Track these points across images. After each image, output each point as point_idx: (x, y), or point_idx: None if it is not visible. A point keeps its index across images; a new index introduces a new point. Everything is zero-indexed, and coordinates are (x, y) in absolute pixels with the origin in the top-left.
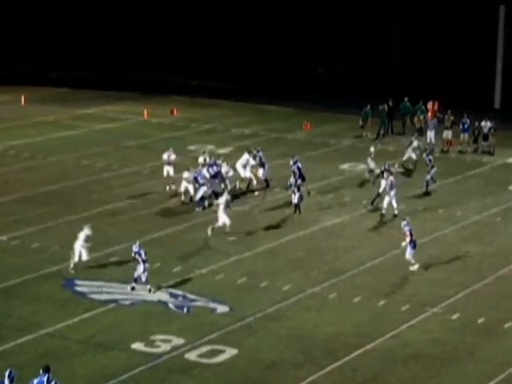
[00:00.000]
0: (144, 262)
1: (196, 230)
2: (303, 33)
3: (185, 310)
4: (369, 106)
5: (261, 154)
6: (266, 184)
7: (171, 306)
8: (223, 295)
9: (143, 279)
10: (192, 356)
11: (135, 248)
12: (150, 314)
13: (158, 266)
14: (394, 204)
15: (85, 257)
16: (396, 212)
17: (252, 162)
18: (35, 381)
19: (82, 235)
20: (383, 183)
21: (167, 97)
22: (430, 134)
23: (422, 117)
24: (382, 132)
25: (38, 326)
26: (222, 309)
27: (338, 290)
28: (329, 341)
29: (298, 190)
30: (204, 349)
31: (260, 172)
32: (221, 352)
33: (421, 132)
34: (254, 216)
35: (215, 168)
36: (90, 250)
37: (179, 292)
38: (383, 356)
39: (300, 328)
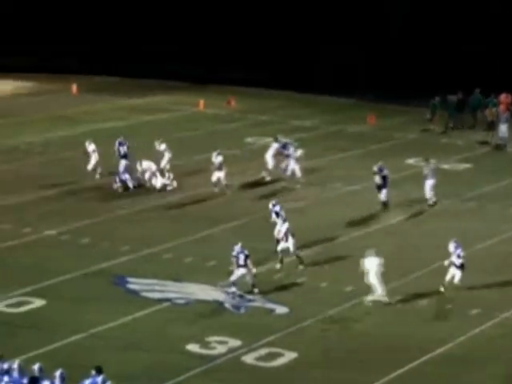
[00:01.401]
0: (241, 266)
1: (247, 227)
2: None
3: (242, 310)
4: (437, 98)
5: (289, 145)
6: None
7: (227, 305)
8: (282, 295)
9: (250, 282)
10: (249, 359)
11: (237, 250)
12: (205, 313)
13: (212, 265)
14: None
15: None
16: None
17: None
18: (87, 382)
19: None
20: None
21: (224, 87)
22: (503, 128)
23: (493, 110)
24: (450, 125)
25: (87, 325)
26: (280, 310)
27: (402, 292)
28: (393, 346)
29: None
30: (262, 351)
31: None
32: (279, 355)
33: (492, 126)
34: (306, 213)
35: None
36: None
37: (236, 291)
38: (451, 362)
39: (362, 331)
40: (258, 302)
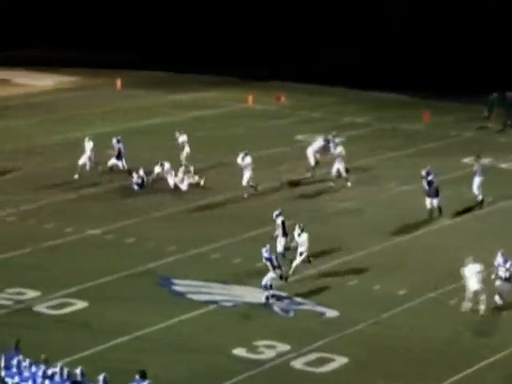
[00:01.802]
0: (275, 267)
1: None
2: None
3: (291, 313)
4: (495, 95)
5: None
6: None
7: (276, 308)
8: (332, 299)
9: (268, 285)
10: (298, 364)
11: (266, 253)
12: (253, 316)
13: (260, 266)
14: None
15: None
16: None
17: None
18: None
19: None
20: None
21: (272, 82)
22: None
23: None
24: (509, 123)
25: (130, 327)
26: (330, 314)
27: (458, 295)
28: (446, 351)
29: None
30: (311, 356)
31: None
32: (330, 360)
33: None
34: (359, 213)
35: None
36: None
37: (285, 294)
38: (507, 371)
39: (415, 337)
40: (308, 305)
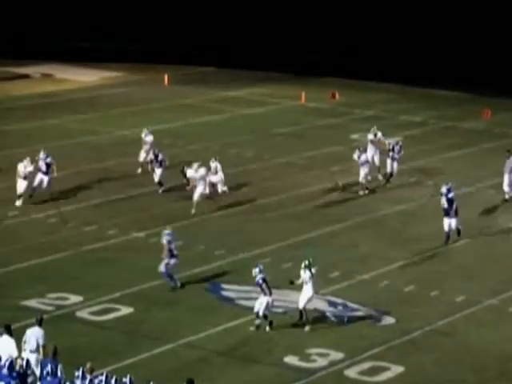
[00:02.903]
0: (266, 293)
1: (352, 230)
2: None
3: (345, 320)
4: None
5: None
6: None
7: (329, 315)
8: (388, 305)
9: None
10: (352, 373)
11: (258, 276)
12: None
13: (314, 271)
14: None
15: None
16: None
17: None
18: None
19: None
20: None
21: (326, 79)
22: None
23: None
24: None
25: (176, 334)
26: (386, 320)
27: None
28: (506, 360)
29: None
30: (365, 365)
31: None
32: (384, 369)
33: None
34: (416, 216)
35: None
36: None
37: (339, 300)
38: None
39: (473, 345)
40: (363, 311)
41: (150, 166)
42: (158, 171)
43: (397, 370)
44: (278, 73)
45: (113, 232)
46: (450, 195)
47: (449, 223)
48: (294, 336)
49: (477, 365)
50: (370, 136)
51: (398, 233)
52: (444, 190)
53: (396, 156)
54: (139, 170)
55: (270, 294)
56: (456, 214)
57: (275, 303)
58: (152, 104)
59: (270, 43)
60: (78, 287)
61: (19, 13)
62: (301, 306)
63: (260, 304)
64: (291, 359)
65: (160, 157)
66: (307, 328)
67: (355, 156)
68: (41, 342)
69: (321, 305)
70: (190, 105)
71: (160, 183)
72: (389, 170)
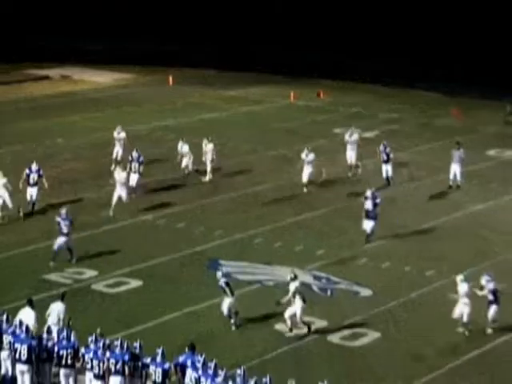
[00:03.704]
0: (229, 295)
1: (337, 213)
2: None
3: (328, 292)
4: None
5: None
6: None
7: (315, 288)
8: (367, 279)
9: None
10: (334, 338)
11: (221, 280)
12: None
13: (300, 249)
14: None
15: None
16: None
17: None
18: (180, 359)
19: None
20: None
21: (314, 79)
22: None
23: None
24: None
25: (181, 305)
26: (365, 292)
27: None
28: (472, 329)
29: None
30: (346, 332)
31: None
32: (363, 335)
33: None
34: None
35: None
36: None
37: (323, 274)
38: None
39: (445, 316)
40: (344, 284)
41: (128, 166)
42: (135, 177)
43: (374, 335)
44: (272, 75)
45: (124, 215)
46: (378, 200)
47: (367, 224)
48: (284, 306)
49: (448, 334)
50: (346, 136)
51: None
52: (368, 194)
53: (386, 159)
54: (113, 167)
55: (232, 295)
56: (375, 218)
57: (267, 277)
58: (158, 103)
59: (263, 48)
60: (93, 263)
61: (37, 20)
62: (298, 318)
63: (225, 305)
64: (281, 327)
65: (141, 159)
66: (291, 333)
67: (303, 155)
68: (61, 315)
69: (307, 278)
70: (192, 103)
71: (134, 189)
72: (384, 175)
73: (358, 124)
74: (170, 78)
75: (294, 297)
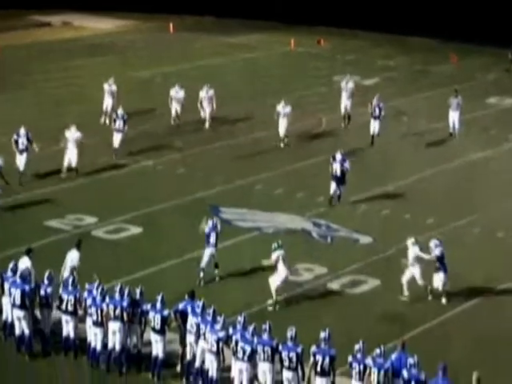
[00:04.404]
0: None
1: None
2: None
3: (328, 239)
4: None
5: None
6: None
7: (315, 235)
8: (367, 226)
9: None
10: (335, 286)
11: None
12: (293, 242)
13: (300, 196)
14: None
15: None
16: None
17: None
18: (180, 306)
19: None
20: None
21: (314, 27)
22: None
23: None
24: None
25: (181, 251)
26: (364, 240)
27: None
28: (473, 276)
29: None
30: (346, 279)
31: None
32: (363, 282)
33: None
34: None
35: None
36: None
37: (322, 221)
38: None
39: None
40: (344, 232)
41: (112, 124)
42: (119, 137)
43: (374, 283)
44: (272, 21)
45: (124, 161)
46: (346, 165)
47: (336, 187)
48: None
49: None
50: (342, 84)
51: (371, 164)
52: (339, 156)
53: (377, 115)
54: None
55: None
56: (344, 182)
57: (267, 224)
58: (159, 49)
59: None
60: (93, 209)
61: None
62: (272, 288)
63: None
64: None
65: (125, 116)
66: (270, 308)
67: (279, 107)
68: (75, 263)
69: (307, 225)
70: (193, 50)
71: (116, 151)
72: (371, 131)
73: (358, 71)
74: (171, 25)
75: (275, 266)
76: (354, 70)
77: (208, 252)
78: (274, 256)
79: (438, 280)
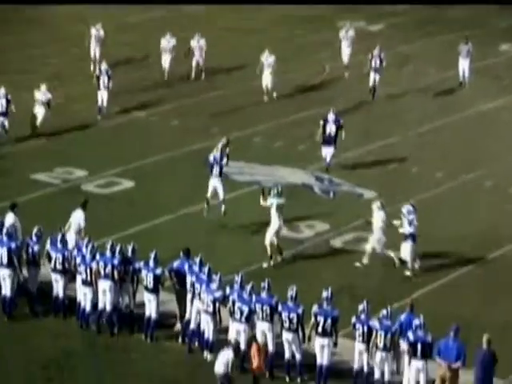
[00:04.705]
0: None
1: (343, 115)
2: None
3: (331, 194)
4: None
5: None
6: None
7: (316, 189)
8: (371, 180)
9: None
10: (337, 243)
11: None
12: (294, 196)
13: (302, 149)
14: None
15: None
16: None
17: None
18: (175, 264)
19: None
20: None
21: None
22: None
23: None
24: None
25: (175, 206)
26: (369, 194)
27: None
28: (484, 232)
29: None
30: (349, 236)
31: None
32: (366, 239)
33: None
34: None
35: None
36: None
37: (325, 175)
38: None
39: (455, 216)
40: (347, 186)
41: (96, 82)
42: (105, 94)
43: None
44: None
45: (117, 109)
46: (340, 123)
47: (327, 150)
48: (284, 208)
49: (451, 234)
50: (343, 32)
51: (379, 118)
52: (332, 116)
53: (378, 67)
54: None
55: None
56: (335, 144)
57: (266, 178)
58: None
59: None
60: (83, 162)
61: None
62: (266, 241)
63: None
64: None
65: (109, 72)
66: (266, 265)
67: (263, 58)
68: (82, 224)
69: (308, 179)
70: None
71: (101, 110)
72: (371, 83)
73: (363, 17)
74: None
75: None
76: (358, 17)
77: (211, 183)
78: (267, 202)
79: (406, 250)
